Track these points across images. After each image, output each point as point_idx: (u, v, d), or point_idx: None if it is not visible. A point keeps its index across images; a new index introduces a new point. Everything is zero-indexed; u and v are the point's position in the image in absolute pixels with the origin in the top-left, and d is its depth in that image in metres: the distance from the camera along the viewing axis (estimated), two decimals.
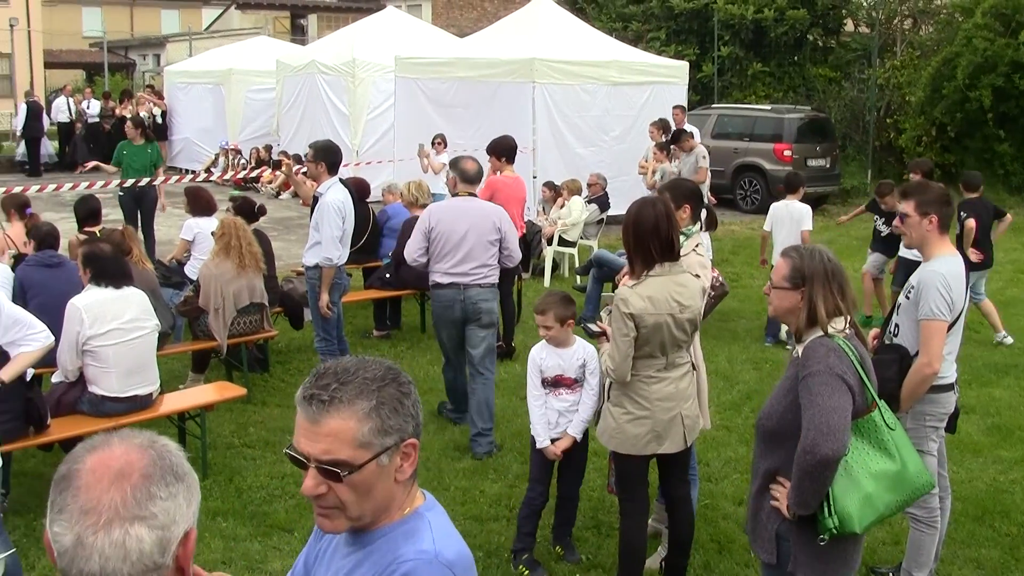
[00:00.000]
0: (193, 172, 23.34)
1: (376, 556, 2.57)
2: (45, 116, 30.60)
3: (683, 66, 22.30)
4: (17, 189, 14.26)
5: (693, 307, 6.00)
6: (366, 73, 22.93)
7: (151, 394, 8.24)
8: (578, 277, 15.23)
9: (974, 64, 23.93)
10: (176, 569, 2.03)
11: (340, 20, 47.97)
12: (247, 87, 27.89)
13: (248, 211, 11.27)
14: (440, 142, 18.28)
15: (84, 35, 53.00)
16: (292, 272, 12.99)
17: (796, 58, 30.50)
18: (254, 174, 21.32)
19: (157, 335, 8.38)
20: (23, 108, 29.12)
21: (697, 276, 6.28)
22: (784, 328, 12.54)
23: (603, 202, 16.76)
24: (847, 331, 4.61)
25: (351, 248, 10.24)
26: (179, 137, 30.26)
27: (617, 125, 20.48)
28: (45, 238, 9.87)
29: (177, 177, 18.76)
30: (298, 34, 50.32)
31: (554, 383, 6.81)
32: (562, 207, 16.37)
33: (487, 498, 8.04)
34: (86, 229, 11.06)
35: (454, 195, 9.56)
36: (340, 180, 9.91)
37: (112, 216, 15.30)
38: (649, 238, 5.86)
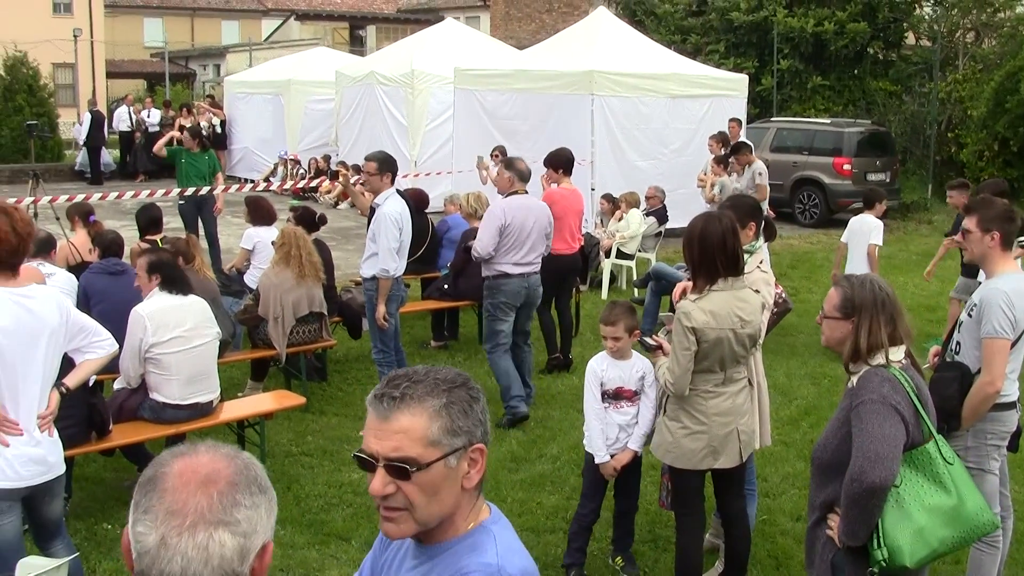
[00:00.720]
0: (252, 181, 23.51)
1: (440, 568, 2.59)
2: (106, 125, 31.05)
3: (742, 79, 22.21)
4: (80, 197, 14.43)
5: (754, 323, 5.99)
6: (425, 84, 23.00)
7: (211, 402, 8.32)
8: (636, 290, 15.18)
9: None
10: None
11: (399, 31, 48.27)
12: (306, 97, 28.06)
13: (308, 221, 11.33)
14: (498, 154, 18.27)
15: (145, 45, 53.67)
16: (351, 282, 13.05)
17: (856, 71, 30.30)
18: (313, 184, 21.43)
19: (218, 343, 8.46)
20: (87, 117, 29.46)
21: (757, 291, 6.26)
22: None
23: (661, 215, 16.71)
24: (903, 361, 4.56)
25: (409, 259, 10.26)
26: (238, 147, 30.48)
27: (676, 138, 20.42)
28: (110, 246, 9.98)
29: (237, 186, 18.89)
30: (357, 45, 50.67)
31: (615, 395, 6.77)
32: (620, 220, 16.33)
33: (544, 510, 8.04)
34: (147, 237, 11.16)
35: (510, 194, 10.17)
36: (397, 191, 9.94)
37: (171, 224, 15.44)
38: (715, 253, 5.84)
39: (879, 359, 4.51)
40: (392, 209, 9.66)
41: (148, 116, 31.35)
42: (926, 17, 30.47)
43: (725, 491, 6.41)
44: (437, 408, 2.53)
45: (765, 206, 15.60)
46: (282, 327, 10.16)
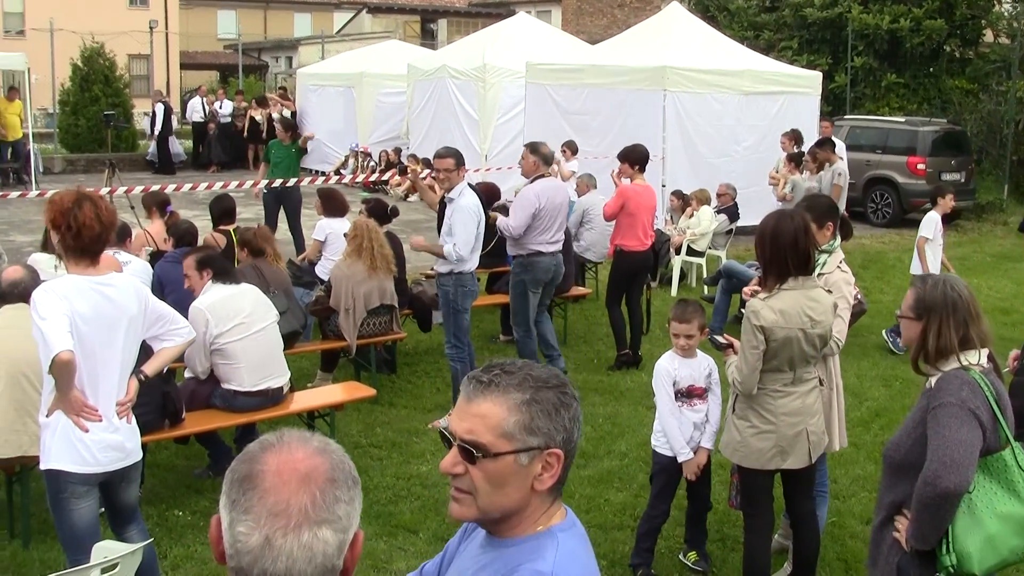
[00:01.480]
0: (324, 174, 23.65)
1: (499, 564, 2.59)
2: (179, 116, 31.37)
3: (816, 76, 22.01)
4: (156, 187, 14.60)
5: (824, 323, 5.94)
6: (497, 78, 23.01)
7: (282, 387, 8.40)
8: (706, 287, 15.11)
9: None
10: (343, 570, 2.07)
11: (470, 25, 48.28)
12: (378, 90, 28.14)
13: (381, 213, 11.38)
14: (569, 149, 18.26)
15: (219, 37, 54.12)
16: (421, 275, 13.09)
17: (932, 69, 29.83)
18: (385, 177, 21.53)
19: (278, 327, 8.54)
20: (161, 108, 29.80)
21: (829, 292, 6.22)
22: None
23: (733, 212, 16.61)
24: (985, 365, 4.50)
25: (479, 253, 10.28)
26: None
27: (749, 135, 20.30)
28: (183, 235, 10.15)
29: (310, 179, 19.03)
30: (428, 38, 50.75)
31: (687, 394, 6.76)
32: (691, 216, 16.26)
33: (612, 507, 8.03)
34: (221, 228, 11.29)
35: (536, 177, 10.63)
36: (469, 185, 9.98)
37: (245, 215, 15.58)
38: (787, 251, 5.81)
39: (952, 363, 4.46)
40: (471, 202, 9.71)
41: (221, 107, 31.62)
42: (1005, 14, 29.90)
43: (794, 492, 6.38)
44: (519, 403, 2.53)
45: (842, 204, 15.49)
46: (353, 319, 10.22)
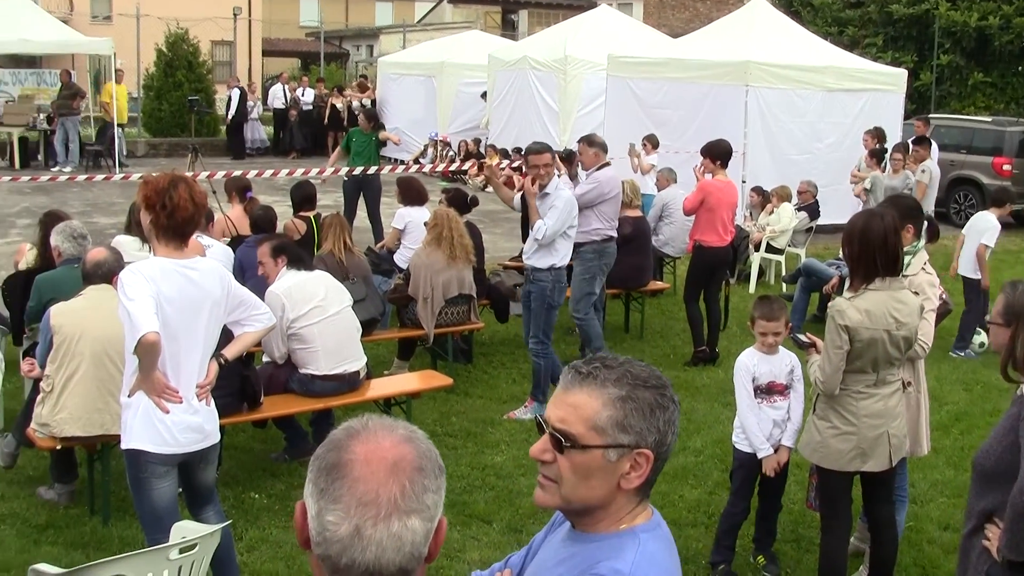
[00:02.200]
0: (404, 163, 23.75)
1: (578, 559, 2.60)
2: (260, 103, 31.75)
3: (901, 74, 21.68)
4: (237, 173, 14.73)
5: (910, 325, 5.86)
6: (578, 70, 22.98)
7: (358, 371, 8.45)
8: (784, 285, 14.98)
9: None
10: (427, 556, 2.07)
11: (551, 16, 48.21)
12: (458, 80, 28.23)
13: (461, 202, 11.39)
14: (650, 143, 18.17)
15: (300, 24, 54.48)
16: (499, 265, 13.10)
17: (1021, 68, 29.34)
18: (465, 167, 21.57)
19: (363, 317, 8.60)
20: (236, 93, 30.11)
21: (917, 294, 6.13)
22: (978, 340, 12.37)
23: (813, 210, 16.43)
24: None
25: None
26: (390, 127, 30.45)
27: (831, 132, 20.04)
28: (261, 221, 10.22)
29: (390, 167, 19.12)
30: (508, 29, 50.77)
31: (767, 390, 6.71)
32: (771, 213, 16.12)
33: (686, 503, 7.98)
34: (301, 214, 11.38)
35: (601, 167, 10.62)
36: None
37: (324, 202, 15.68)
38: (875, 251, 5.74)
39: None
40: (569, 196, 9.65)
41: (303, 95, 31.86)
42: None
43: (873, 495, 6.30)
44: (614, 398, 2.52)
45: (929, 206, 15.30)
46: (431, 308, 10.25)
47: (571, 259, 9.95)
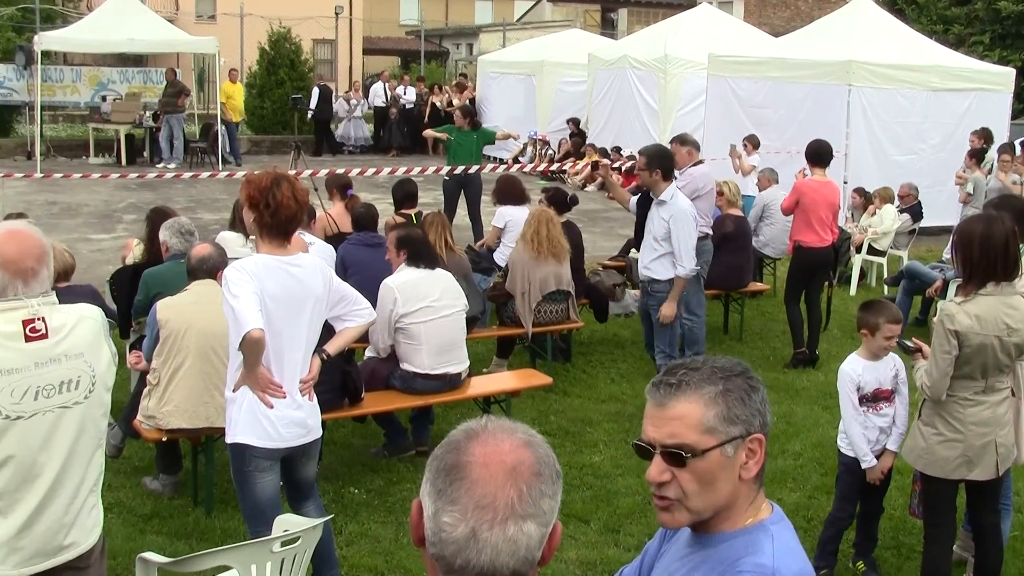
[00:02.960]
0: (504, 161, 23.81)
1: (713, 562, 2.58)
2: (364, 101, 32.02)
3: (1008, 73, 21.22)
4: (340, 170, 14.86)
5: (1022, 331, 5.73)
6: (678, 69, 22.86)
7: (460, 373, 8.49)
8: (886, 288, 14.76)
9: None
10: (540, 560, 2.07)
11: (650, 15, 47.99)
12: (558, 79, 28.21)
13: (560, 202, 11.38)
14: (750, 143, 18.02)
15: (401, 23, 54.80)
16: (598, 265, 13.07)
17: None
18: (566, 166, 21.56)
19: (465, 315, 8.62)
20: (315, 92, 30.38)
21: None
22: None
23: (916, 212, 16.16)
24: None
25: None
26: (489, 126, 30.73)
27: (936, 133, 19.69)
28: (363, 219, 10.30)
29: (492, 167, 19.17)
30: (608, 28, 50.62)
31: (873, 398, 6.60)
32: (873, 215, 15.88)
33: (785, 507, 7.73)
34: (402, 211, 11.45)
35: (695, 164, 10.76)
36: None
37: (424, 200, 15.76)
38: (997, 256, 5.62)
39: None
40: (688, 205, 9.40)
41: (404, 93, 32.06)
42: None
43: (978, 504, 6.18)
44: (714, 395, 2.54)
45: None
46: (528, 302, 10.25)
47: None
